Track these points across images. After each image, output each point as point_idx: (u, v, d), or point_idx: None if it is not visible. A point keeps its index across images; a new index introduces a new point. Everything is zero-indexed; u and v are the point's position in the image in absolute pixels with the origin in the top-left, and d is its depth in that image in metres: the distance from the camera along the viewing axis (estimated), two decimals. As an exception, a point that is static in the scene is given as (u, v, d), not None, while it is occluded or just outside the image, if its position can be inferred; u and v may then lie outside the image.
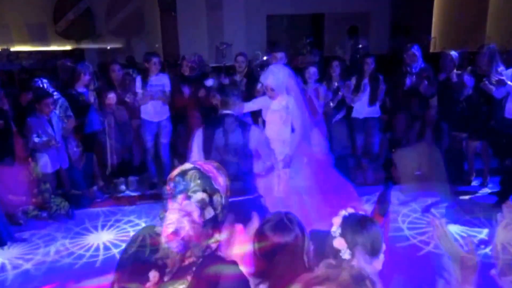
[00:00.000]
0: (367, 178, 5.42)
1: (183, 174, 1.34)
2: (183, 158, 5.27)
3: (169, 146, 5.56)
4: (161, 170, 5.53)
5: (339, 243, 1.49)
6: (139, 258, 1.34)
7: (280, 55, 4.96)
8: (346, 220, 1.52)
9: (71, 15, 10.13)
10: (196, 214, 1.29)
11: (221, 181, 1.37)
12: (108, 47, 10.25)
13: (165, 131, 5.48)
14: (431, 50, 9.17)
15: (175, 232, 1.27)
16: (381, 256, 1.52)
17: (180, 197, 1.30)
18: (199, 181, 1.32)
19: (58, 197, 4.62)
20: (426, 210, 4.65)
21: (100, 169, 5.34)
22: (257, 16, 9.75)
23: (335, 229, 1.52)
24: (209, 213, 1.32)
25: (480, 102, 5.06)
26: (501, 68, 5.16)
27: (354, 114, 5.57)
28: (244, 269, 1.50)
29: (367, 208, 3.92)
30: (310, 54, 6.20)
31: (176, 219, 1.28)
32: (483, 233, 4.07)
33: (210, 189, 1.33)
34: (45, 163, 4.54)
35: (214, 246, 1.34)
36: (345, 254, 1.47)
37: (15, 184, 4.27)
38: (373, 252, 1.48)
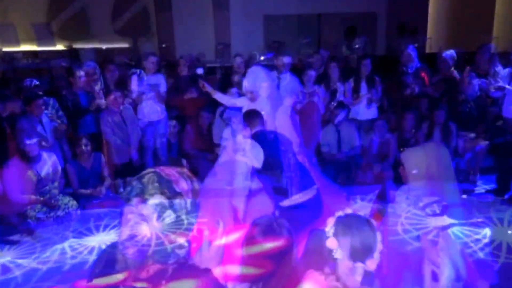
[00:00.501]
0: (368, 178, 5.43)
1: (140, 177, 1.29)
2: (190, 158, 5.25)
3: (167, 145, 5.51)
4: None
5: (331, 243, 1.50)
6: (106, 274, 1.27)
7: (286, 59, 4.95)
8: (339, 220, 1.53)
9: (65, 16, 10.06)
10: (153, 218, 1.22)
11: (184, 185, 1.30)
12: (104, 47, 10.20)
13: (163, 130, 5.45)
14: (427, 51, 9.23)
15: (130, 238, 1.20)
16: (376, 256, 1.51)
17: (135, 200, 1.24)
18: (156, 184, 1.26)
19: (66, 196, 4.53)
20: (423, 207, 4.65)
21: (108, 168, 5.27)
22: (254, 16, 9.74)
23: (329, 229, 1.53)
24: (169, 216, 1.24)
25: (488, 102, 5.09)
26: (498, 68, 5.22)
27: (353, 115, 5.60)
28: (222, 275, 1.47)
29: (366, 207, 3.93)
30: (317, 54, 6.11)
31: (130, 225, 1.20)
32: (488, 232, 4.06)
33: (170, 192, 1.26)
34: (47, 163, 4.45)
35: (181, 253, 1.27)
36: (337, 254, 1.48)
37: (21, 184, 4.19)
38: (365, 252, 1.47)
